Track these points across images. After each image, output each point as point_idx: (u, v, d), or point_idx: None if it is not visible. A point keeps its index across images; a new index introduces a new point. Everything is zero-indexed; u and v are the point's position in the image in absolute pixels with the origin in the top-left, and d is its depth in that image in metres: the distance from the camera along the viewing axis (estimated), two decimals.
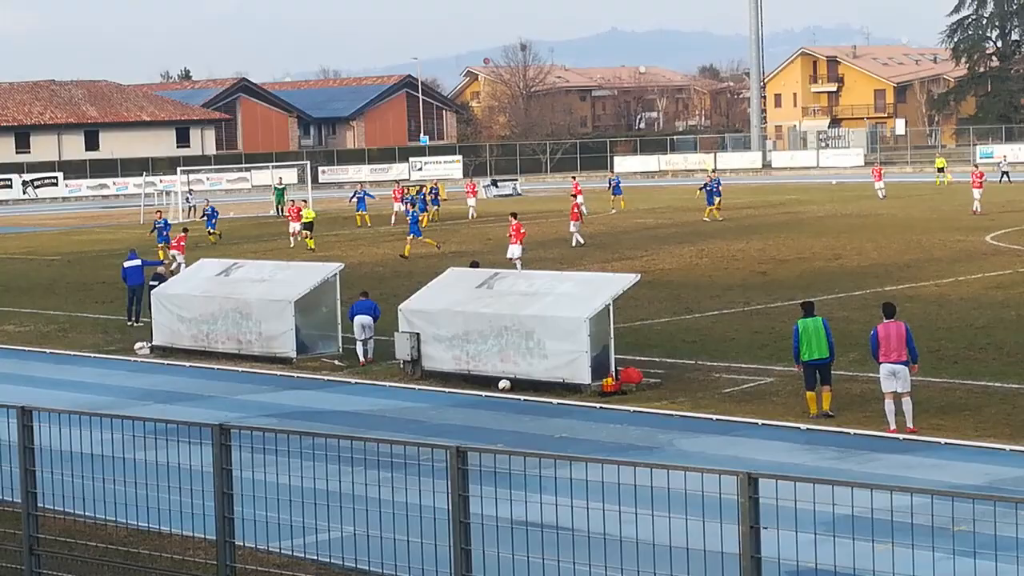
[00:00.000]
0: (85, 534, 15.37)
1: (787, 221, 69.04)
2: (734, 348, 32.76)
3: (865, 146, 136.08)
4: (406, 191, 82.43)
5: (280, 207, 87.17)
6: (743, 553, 10.41)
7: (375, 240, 66.76)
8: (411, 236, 58.83)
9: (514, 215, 52.56)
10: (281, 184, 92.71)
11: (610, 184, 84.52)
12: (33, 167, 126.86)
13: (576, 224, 59.99)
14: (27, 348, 37.69)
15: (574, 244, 58.84)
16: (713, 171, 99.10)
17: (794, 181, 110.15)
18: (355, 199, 78.32)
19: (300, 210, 65.49)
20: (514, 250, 50.39)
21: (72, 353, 36.50)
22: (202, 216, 72.61)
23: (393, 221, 75.95)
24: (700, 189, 74.68)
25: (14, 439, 14.16)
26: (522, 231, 51.35)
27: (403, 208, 75.27)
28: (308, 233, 63.95)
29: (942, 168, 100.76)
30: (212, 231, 68.77)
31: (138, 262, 41.60)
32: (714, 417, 25.59)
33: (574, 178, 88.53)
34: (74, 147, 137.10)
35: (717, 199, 71.65)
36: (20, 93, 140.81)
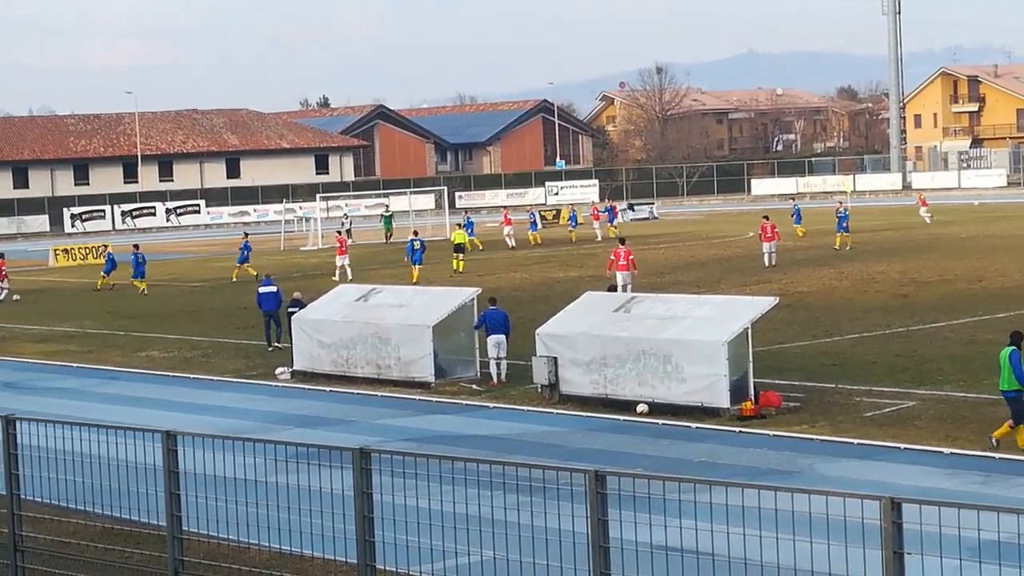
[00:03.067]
0: (229, 557, 15.54)
1: (928, 243, 68.14)
2: (875, 372, 32.37)
3: (1008, 166, 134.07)
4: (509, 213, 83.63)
5: (388, 234, 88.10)
6: None
7: (511, 265, 66.90)
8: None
9: (622, 241, 52.23)
10: (388, 212, 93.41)
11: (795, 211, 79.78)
12: (176, 195, 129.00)
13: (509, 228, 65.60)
14: (171, 373, 38.25)
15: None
16: (846, 195, 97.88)
17: (935, 202, 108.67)
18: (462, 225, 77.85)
19: (345, 243, 65.26)
20: (620, 277, 49.00)
21: (215, 378, 36.98)
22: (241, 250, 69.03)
23: (511, 245, 76.50)
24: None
25: (159, 463, 14.37)
26: (631, 257, 50.06)
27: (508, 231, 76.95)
28: (460, 256, 64.19)
29: None
30: (245, 265, 66.90)
31: (273, 288, 42.08)
32: (855, 441, 25.30)
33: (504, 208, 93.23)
34: (216, 175, 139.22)
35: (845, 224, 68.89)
36: (163, 123, 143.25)
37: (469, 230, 77.12)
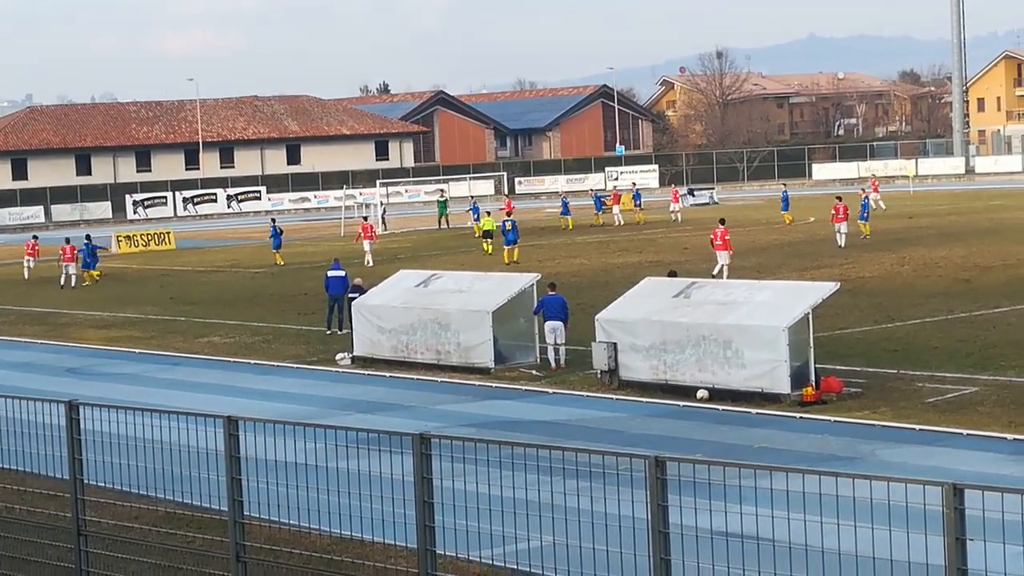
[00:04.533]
0: (289, 542, 15.60)
1: (991, 227, 67.63)
2: (937, 357, 32.17)
3: None
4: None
5: (444, 218, 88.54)
6: (948, 565, 10.21)
7: (573, 250, 66.86)
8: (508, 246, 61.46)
9: (722, 221, 52.55)
10: (443, 196, 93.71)
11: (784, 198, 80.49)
12: (237, 181, 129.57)
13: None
14: (232, 359, 38.46)
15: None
16: (872, 179, 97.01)
17: (998, 187, 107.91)
18: (468, 211, 78.27)
19: (372, 228, 67.50)
20: (721, 257, 50.26)
21: (275, 364, 37.16)
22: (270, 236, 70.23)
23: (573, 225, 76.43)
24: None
25: (221, 448, 14.44)
26: (727, 238, 51.13)
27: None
28: (489, 240, 66.62)
29: None
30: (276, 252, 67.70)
31: (342, 272, 42.19)
32: (917, 427, 25.16)
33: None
34: (276, 161, 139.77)
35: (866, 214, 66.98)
36: (224, 109, 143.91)
37: (475, 215, 78.46)
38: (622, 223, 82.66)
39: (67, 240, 64.77)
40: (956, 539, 10.15)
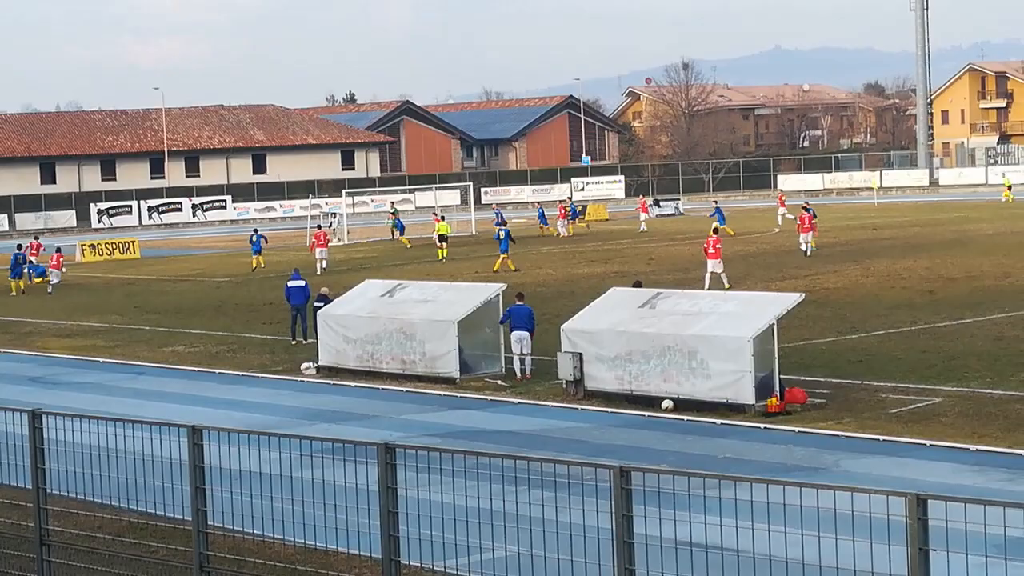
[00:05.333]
0: (254, 552, 15.56)
1: (955, 239, 67.95)
2: (901, 368, 32.30)
3: None
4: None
5: (396, 232, 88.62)
6: None
7: (539, 260, 66.89)
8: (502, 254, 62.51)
9: (715, 231, 53.10)
10: (393, 208, 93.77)
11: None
12: (202, 190, 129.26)
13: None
14: (197, 369, 38.34)
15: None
16: (779, 193, 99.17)
17: (962, 199, 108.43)
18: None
19: (326, 235, 69.34)
20: (713, 265, 50.92)
21: (240, 373, 37.07)
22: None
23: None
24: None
25: (185, 458, 14.40)
26: (718, 246, 51.70)
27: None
28: (443, 244, 69.19)
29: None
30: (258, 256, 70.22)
31: (302, 282, 42.18)
32: (880, 438, 25.25)
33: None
34: (242, 170, 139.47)
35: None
36: (190, 118, 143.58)
37: (400, 229, 79.97)
38: (566, 235, 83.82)
39: (58, 249, 66.07)
40: (919, 549, 10.18)
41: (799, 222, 63.62)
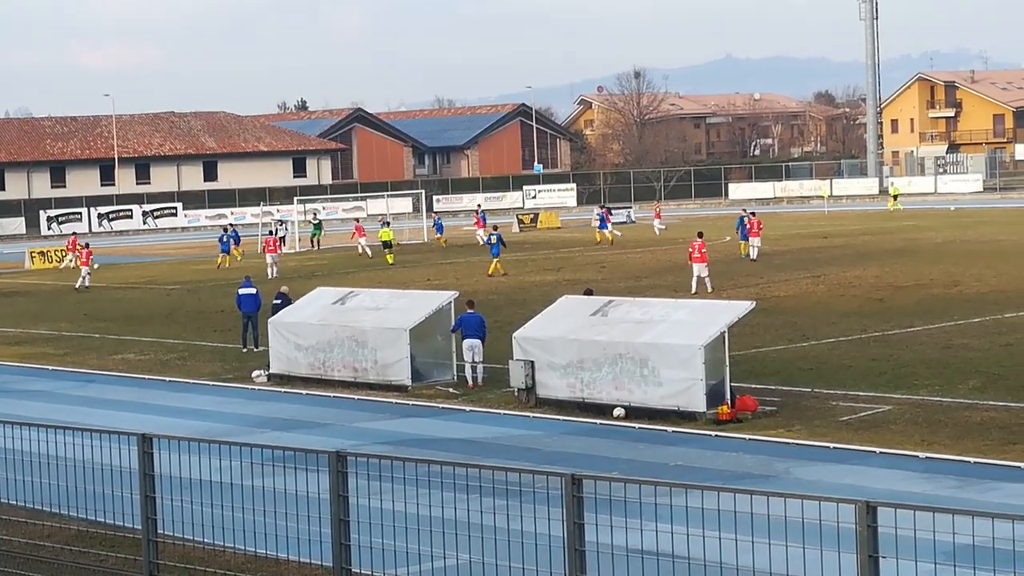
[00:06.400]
0: (204, 560, 15.51)
1: (904, 247, 68.33)
2: (851, 376, 32.44)
3: (984, 171, 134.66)
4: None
5: (316, 240, 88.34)
6: None
7: (488, 269, 66.80)
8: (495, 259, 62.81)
9: (700, 235, 53.35)
10: (316, 219, 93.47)
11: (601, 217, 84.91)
12: (153, 198, 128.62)
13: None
14: (147, 376, 38.15)
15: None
16: (656, 204, 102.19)
17: (911, 207, 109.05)
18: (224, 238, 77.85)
19: (276, 241, 70.69)
20: (698, 269, 51.54)
21: (191, 381, 36.90)
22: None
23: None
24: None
25: (135, 466, 14.34)
26: (703, 250, 52.00)
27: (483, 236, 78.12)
28: (388, 250, 71.43)
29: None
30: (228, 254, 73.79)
31: (253, 290, 42.05)
32: (831, 445, 25.34)
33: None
34: (193, 177, 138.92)
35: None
36: (141, 125, 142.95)
37: (225, 247, 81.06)
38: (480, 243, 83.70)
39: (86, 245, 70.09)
40: (869, 556, 10.24)
41: (748, 226, 64.70)
